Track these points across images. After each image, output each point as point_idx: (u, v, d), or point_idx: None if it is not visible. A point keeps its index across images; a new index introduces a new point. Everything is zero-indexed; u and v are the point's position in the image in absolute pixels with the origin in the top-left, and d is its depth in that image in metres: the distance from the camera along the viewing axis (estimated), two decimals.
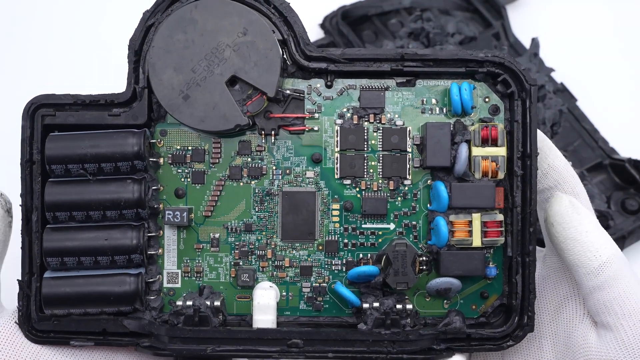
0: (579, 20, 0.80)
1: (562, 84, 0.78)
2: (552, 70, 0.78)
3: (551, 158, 0.55)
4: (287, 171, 0.56)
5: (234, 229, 0.56)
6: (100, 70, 0.75)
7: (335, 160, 0.56)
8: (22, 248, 0.54)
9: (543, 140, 0.55)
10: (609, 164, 0.76)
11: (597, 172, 0.76)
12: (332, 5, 0.79)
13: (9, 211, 0.55)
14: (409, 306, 0.54)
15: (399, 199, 0.56)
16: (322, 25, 0.80)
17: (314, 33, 0.79)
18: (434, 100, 0.56)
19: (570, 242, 0.52)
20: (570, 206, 0.53)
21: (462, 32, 0.77)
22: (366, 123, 0.56)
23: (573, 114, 0.77)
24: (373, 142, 0.56)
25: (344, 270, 0.56)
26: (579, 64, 0.78)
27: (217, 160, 0.56)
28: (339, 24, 0.78)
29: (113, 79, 0.61)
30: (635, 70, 0.79)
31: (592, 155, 0.76)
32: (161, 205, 0.56)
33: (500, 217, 0.54)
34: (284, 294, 0.57)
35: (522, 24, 0.80)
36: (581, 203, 0.55)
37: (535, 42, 0.78)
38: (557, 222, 0.53)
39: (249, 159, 0.56)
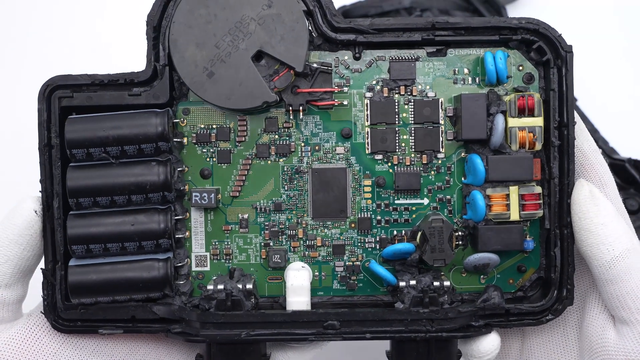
0: (579, 20, 0.79)
1: None
2: None
3: (580, 141, 0.53)
4: (317, 147, 0.54)
5: (263, 209, 0.55)
6: (117, 48, 0.72)
7: (366, 135, 0.54)
8: (44, 236, 0.52)
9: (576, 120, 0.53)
10: (609, 164, 0.74)
11: None
12: None
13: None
14: (447, 283, 0.53)
15: (433, 173, 0.54)
16: None
17: None
18: (465, 70, 0.54)
19: (585, 234, 0.51)
20: (589, 196, 0.51)
21: None
22: (397, 95, 0.54)
23: None
24: (404, 115, 0.54)
25: (377, 247, 0.55)
26: (579, 64, 0.77)
27: (243, 139, 0.54)
28: None
29: (131, 57, 0.59)
30: (635, 71, 0.78)
31: None
32: (187, 187, 0.54)
33: (538, 189, 0.53)
34: (317, 274, 0.55)
35: None
36: (607, 192, 0.54)
37: None
38: (575, 211, 0.52)
39: (277, 136, 0.54)
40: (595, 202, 0.51)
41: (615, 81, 0.78)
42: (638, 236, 0.71)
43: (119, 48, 0.72)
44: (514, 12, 0.78)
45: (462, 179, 0.54)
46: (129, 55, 0.60)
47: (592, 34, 0.78)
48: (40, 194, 0.52)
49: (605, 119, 0.76)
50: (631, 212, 0.73)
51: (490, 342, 0.53)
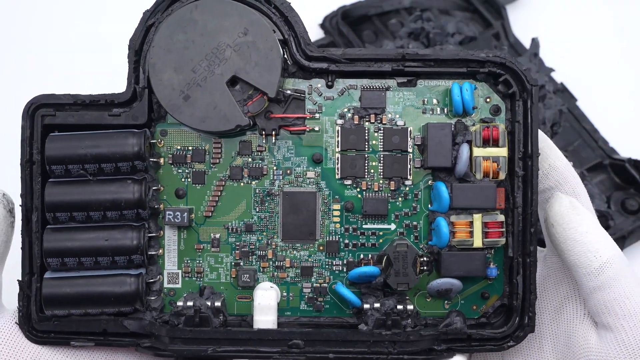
0: (579, 20, 0.80)
1: (562, 84, 0.78)
2: (552, 70, 0.78)
3: (552, 158, 0.55)
4: (288, 171, 0.56)
5: (234, 230, 0.56)
6: (100, 70, 0.74)
7: (336, 161, 0.56)
8: (22, 248, 0.54)
9: (544, 141, 0.55)
10: (609, 164, 0.76)
11: (597, 172, 0.76)
12: (332, 5, 0.79)
13: (11, 211, 0.55)
14: (410, 307, 0.54)
15: (400, 199, 0.56)
16: (322, 25, 0.80)
17: (314, 33, 0.79)
18: (435, 101, 0.56)
19: (570, 243, 0.52)
20: (570, 207, 0.53)
21: (462, 32, 0.77)
22: (367, 123, 0.56)
23: (573, 114, 0.77)
24: (374, 142, 0.56)
25: (344, 270, 0.56)
26: (579, 64, 0.78)
27: (217, 161, 0.56)
28: (339, 24, 0.78)
29: (113, 79, 0.61)
30: (635, 71, 0.79)
31: (592, 155, 0.76)
32: (161, 206, 0.56)
33: (501, 217, 0.54)
34: (285, 294, 0.56)
35: (522, 24, 0.80)
36: (582, 204, 0.55)
37: (535, 42, 0.78)
38: (557, 222, 0.53)
39: (250, 159, 0.56)
40: (578, 212, 0.53)
41: (615, 81, 0.79)
42: None
43: (102, 70, 0.74)
44: (514, 12, 0.79)
45: (429, 205, 0.56)
46: (111, 77, 0.62)
47: (592, 34, 0.79)
48: (19, 206, 0.54)
49: (605, 119, 0.77)
50: (631, 212, 0.74)
51: None
